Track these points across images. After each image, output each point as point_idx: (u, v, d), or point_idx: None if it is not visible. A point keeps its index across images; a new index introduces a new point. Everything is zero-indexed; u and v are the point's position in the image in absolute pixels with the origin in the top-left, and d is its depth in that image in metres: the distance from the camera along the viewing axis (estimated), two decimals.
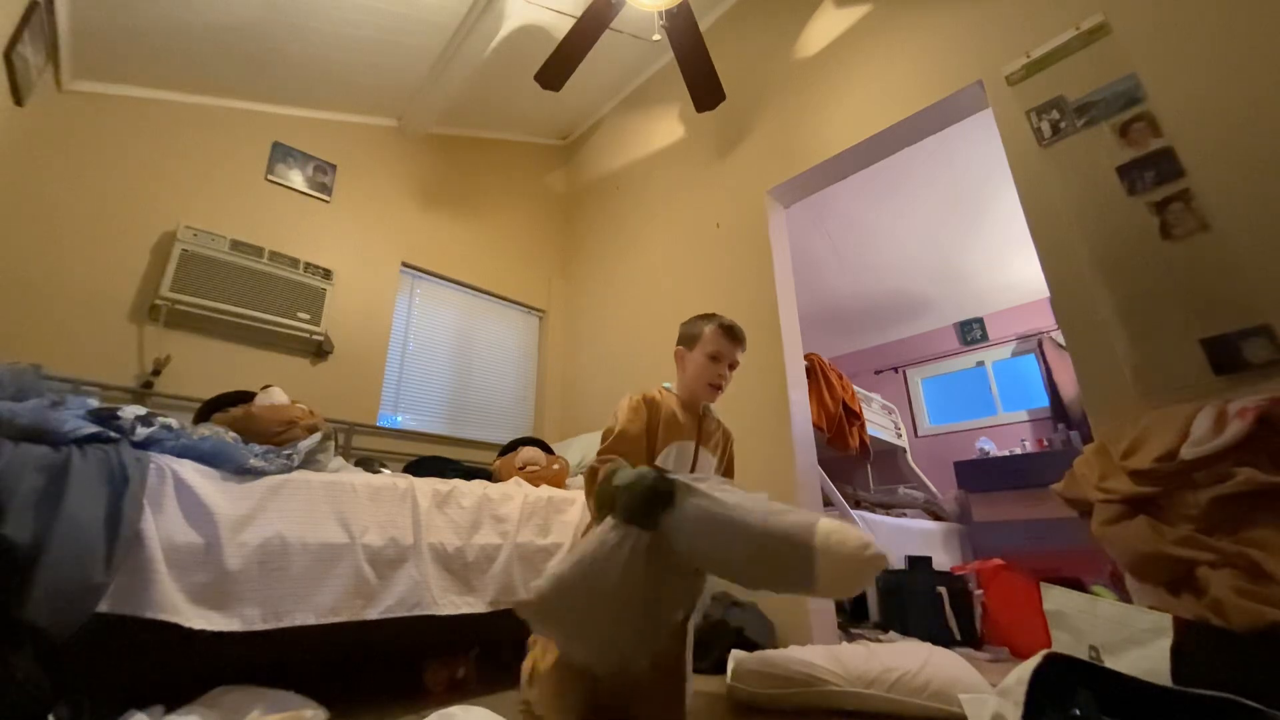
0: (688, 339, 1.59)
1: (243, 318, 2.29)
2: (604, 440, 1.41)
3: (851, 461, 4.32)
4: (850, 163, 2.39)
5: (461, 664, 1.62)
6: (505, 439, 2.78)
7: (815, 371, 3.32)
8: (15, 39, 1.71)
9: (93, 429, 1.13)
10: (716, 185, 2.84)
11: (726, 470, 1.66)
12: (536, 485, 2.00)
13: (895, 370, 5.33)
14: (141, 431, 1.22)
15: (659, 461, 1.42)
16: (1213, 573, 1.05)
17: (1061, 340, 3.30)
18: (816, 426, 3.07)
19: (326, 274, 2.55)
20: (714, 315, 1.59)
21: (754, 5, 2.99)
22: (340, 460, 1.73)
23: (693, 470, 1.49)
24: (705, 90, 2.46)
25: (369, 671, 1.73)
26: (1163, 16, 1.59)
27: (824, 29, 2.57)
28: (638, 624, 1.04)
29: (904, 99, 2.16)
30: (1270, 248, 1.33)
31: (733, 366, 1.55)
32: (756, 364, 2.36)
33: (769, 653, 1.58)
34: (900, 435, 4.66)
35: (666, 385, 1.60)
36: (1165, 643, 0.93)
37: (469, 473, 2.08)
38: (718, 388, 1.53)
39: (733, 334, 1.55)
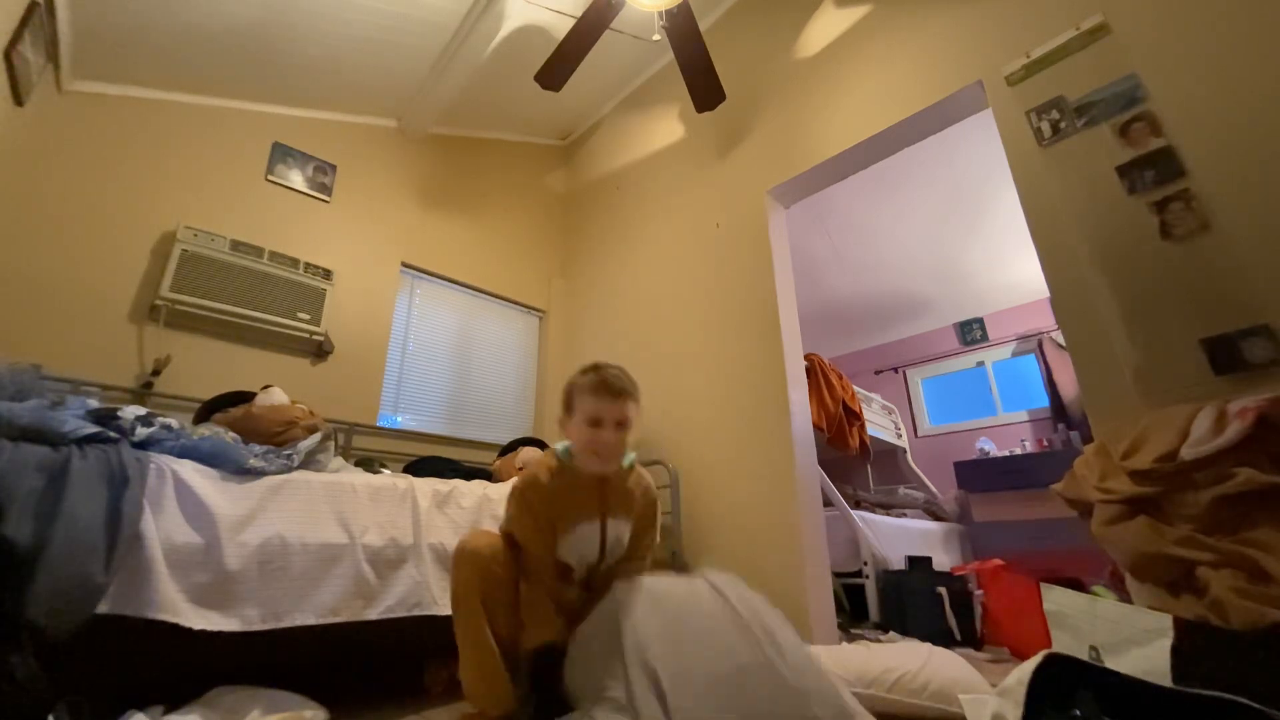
0: (565, 401, 1.32)
1: (243, 318, 2.29)
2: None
3: (851, 461, 4.31)
4: (850, 163, 2.39)
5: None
6: (505, 439, 2.78)
7: (815, 371, 3.32)
8: (15, 39, 1.71)
9: (92, 429, 1.13)
10: (716, 185, 2.84)
11: (640, 532, 1.38)
12: None
13: (895, 370, 5.32)
14: (141, 432, 1.22)
15: (561, 555, 1.27)
16: (1213, 573, 1.05)
17: (1061, 340, 3.29)
18: (816, 426, 3.07)
19: (326, 274, 2.55)
20: (592, 368, 1.31)
21: (754, 5, 2.99)
22: (340, 460, 1.73)
23: (603, 549, 1.31)
24: (705, 90, 2.46)
25: (369, 671, 1.73)
26: (1163, 16, 1.59)
27: (824, 29, 2.57)
28: None
29: (904, 99, 2.16)
30: (1270, 248, 1.33)
31: (622, 424, 1.27)
32: (757, 364, 2.36)
33: None
34: (900, 435, 4.65)
35: (561, 447, 1.34)
36: (1165, 643, 0.92)
37: (469, 473, 2.09)
38: (604, 456, 1.27)
39: (606, 388, 1.26)
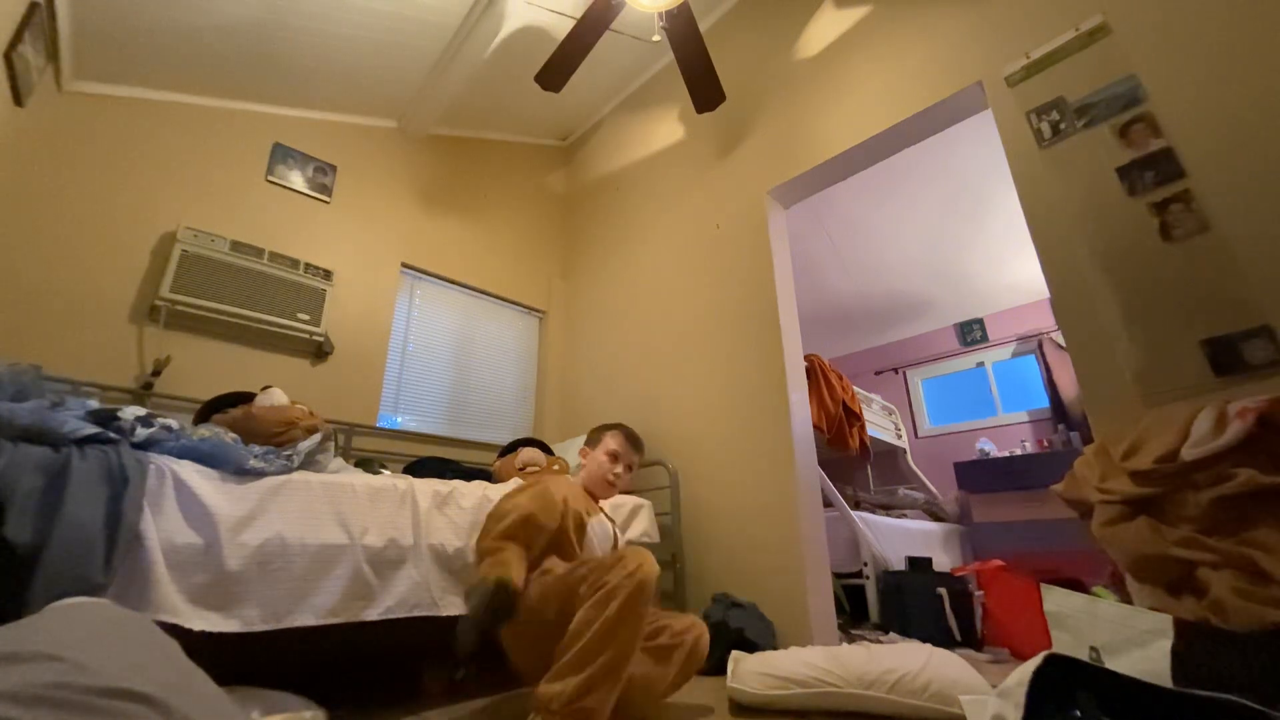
0: (592, 440, 1.77)
1: (243, 318, 2.29)
2: (498, 518, 1.40)
3: (851, 462, 4.31)
4: (851, 163, 2.39)
5: (461, 665, 1.61)
6: (505, 440, 2.78)
7: (815, 372, 3.31)
8: (15, 39, 1.71)
9: (92, 430, 1.13)
10: (717, 186, 2.84)
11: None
12: None
13: (895, 371, 5.32)
14: (141, 432, 1.22)
15: (588, 537, 1.53)
16: (1213, 574, 1.05)
17: (1061, 340, 3.29)
18: (816, 427, 3.07)
19: (326, 275, 2.55)
20: (619, 425, 1.77)
21: (754, 6, 2.99)
22: (340, 461, 1.73)
23: (616, 542, 1.68)
24: (705, 91, 2.46)
25: (369, 671, 1.73)
26: (1163, 17, 1.59)
27: (824, 30, 2.57)
28: None
29: (904, 100, 2.16)
30: (1270, 248, 1.33)
31: (630, 468, 1.72)
32: (757, 364, 2.36)
33: (769, 654, 1.58)
34: (900, 436, 4.65)
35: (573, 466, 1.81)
36: (1166, 644, 0.92)
37: (469, 473, 2.09)
38: (613, 485, 1.69)
39: (632, 440, 1.74)
